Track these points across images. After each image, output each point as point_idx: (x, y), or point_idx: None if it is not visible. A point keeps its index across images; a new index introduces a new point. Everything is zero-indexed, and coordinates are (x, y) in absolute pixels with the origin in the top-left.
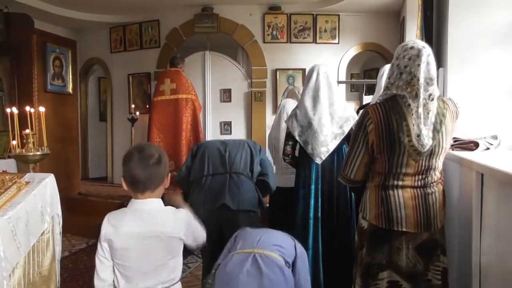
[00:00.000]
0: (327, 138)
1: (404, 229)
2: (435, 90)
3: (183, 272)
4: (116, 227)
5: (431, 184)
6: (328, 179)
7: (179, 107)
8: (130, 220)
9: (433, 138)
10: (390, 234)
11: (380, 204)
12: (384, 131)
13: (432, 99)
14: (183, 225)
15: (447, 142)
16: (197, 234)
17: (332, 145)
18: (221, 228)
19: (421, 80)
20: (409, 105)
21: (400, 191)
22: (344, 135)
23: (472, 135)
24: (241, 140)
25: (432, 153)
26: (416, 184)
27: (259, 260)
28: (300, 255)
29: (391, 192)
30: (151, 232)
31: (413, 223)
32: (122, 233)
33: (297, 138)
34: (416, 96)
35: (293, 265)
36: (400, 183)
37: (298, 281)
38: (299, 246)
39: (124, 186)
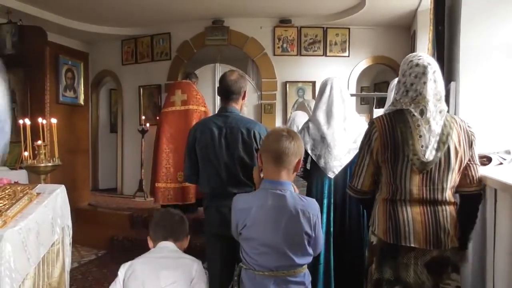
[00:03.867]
0: (341, 153)
1: (412, 245)
2: (443, 105)
3: None
4: (133, 261)
5: (442, 203)
6: (341, 194)
7: (189, 118)
8: (145, 255)
9: (438, 150)
10: (399, 250)
11: (388, 219)
12: (389, 139)
13: (442, 116)
14: (194, 266)
15: (457, 157)
16: None
17: (346, 160)
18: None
19: (428, 98)
20: (414, 115)
21: (408, 206)
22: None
23: (485, 149)
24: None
25: (438, 166)
26: (424, 198)
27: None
28: None
29: (399, 207)
30: (162, 256)
31: (422, 239)
32: (135, 265)
33: (309, 151)
34: (423, 112)
35: None
36: (408, 197)
37: None
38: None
39: (150, 245)
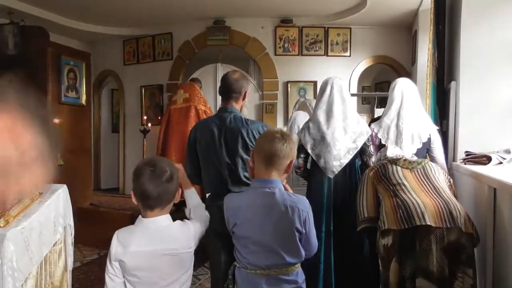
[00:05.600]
0: (340, 152)
1: (428, 223)
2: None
3: (193, 284)
4: (126, 247)
5: (446, 193)
6: (340, 193)
7: (188, 114)
8: (139, 239)
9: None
10: (416, 233)
11: (397, 208)
12: (380, 169)
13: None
14: (192, 236)
15: (438, 168)
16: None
17: (345, 160)
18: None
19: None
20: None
21: (413, 193)
22: (358, 149)
23: (485, 149)
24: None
25: (424, 169)
26: (424, 188)
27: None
28: None
29: (405, 196)
30: (161, 250)
31: (436, 216)
32: (131, 253)
33: (309, 151)
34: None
35: None
36: (409, 187)
37: None
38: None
39: (134, 200)
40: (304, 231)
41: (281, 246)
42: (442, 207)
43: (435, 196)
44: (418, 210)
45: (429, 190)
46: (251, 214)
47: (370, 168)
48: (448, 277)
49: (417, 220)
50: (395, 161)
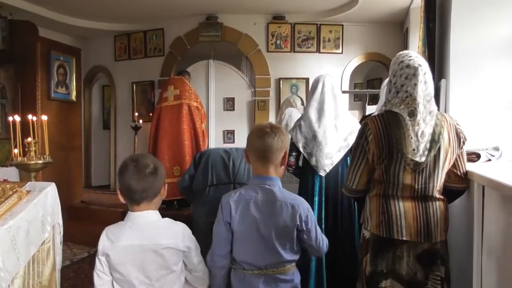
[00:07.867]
0: (332, 151)
1: (404, 238)
2: (432, 105)
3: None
4: (114, 241)
5: (432, 198)
6: (333, 191)
7: (181, 112)
8: (128, 234)
9: (431, 149)
10: (392, 243)
11: (380, 213)
12: (384, 142)
13: (432, 116)
14: (180, 236)
15: (447, 155)
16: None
17: (337, 158)
18: None
19: (418, 100)
20: (405, 120)
21: (400, 201)
22: (349, 147)
23: (474, 146)
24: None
25: (429, 165)
26: (415, 195)
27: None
28: None
29: (391, 201)
30: (148, 245)
31: (413, 232)
32: (119, 247)
33: (301, 149)
34: (413, 114)
35: None
36: (399, 193)
37: None
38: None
39: (121, 199)
40: (305, 229)
41: (278, 242)
42: (422, 223)
43: (420, 207)
44: (398, 223)
45: (417, 198)
46: (251, 209)
47: (371, 123)
48: (422, 280)
49: (395, 234)
50: (401, 144)
